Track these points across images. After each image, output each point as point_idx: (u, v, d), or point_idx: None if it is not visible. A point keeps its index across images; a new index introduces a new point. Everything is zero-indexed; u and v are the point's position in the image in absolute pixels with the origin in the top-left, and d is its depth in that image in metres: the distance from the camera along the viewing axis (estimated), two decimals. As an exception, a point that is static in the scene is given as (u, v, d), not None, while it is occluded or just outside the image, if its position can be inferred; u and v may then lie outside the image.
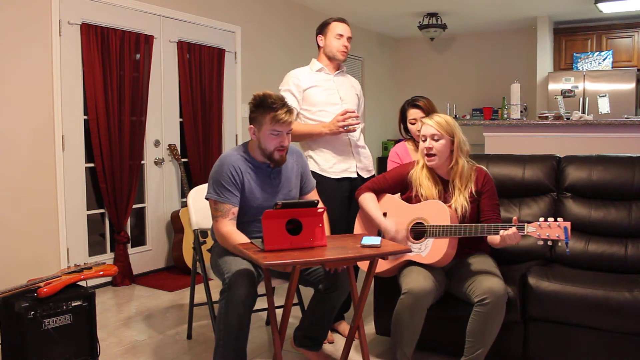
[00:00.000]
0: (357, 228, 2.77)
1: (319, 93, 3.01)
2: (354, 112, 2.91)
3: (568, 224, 2.22)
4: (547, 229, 2.22)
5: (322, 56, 3.10)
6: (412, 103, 3.10)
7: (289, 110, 2.43)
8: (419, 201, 2.58)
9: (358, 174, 3.08)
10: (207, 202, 2.53)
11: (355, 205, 2.87)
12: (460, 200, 2.52)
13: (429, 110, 3.03)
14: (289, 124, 2.44)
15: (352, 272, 2.39)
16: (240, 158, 2.51)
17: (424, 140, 2.56)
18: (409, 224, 2.56)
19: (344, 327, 3.11)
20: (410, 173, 2.65)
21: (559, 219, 2.24)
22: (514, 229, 2.28)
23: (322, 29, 3.09)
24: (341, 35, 3.02)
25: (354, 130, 2.99)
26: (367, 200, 2.69)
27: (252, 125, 2.49)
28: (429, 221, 2.49)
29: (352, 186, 3.01)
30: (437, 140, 2.53)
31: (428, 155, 2.56)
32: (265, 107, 2.41)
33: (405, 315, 2.37)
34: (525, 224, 2.28)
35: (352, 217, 2.90)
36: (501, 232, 2.31)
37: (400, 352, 2.41)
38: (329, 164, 3.00)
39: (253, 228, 2.50)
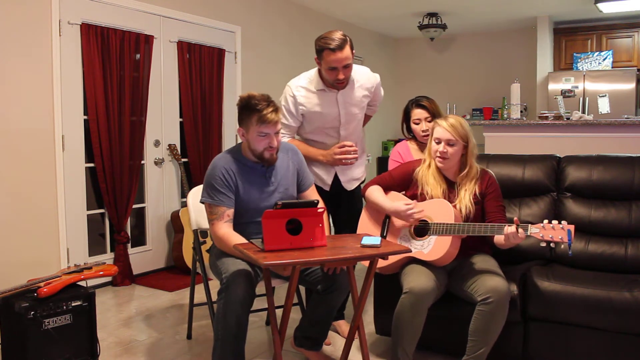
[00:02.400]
0: (363, 221, 2.78)
1: (318, 118, 2.91)
2: (352, 146, 2.85)
3: (572, 227, 2.21)
4: (551, 231, 2.22)
5: (323, 75, 2.85)
6: (417, 103, 3.10)
7: (275, 110, 2.40)
8: (424, 199, 2.59)
9: (342, 186, 3.05)
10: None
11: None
12: (465, 201, 2.53)
13: (433, 111, 3.04)
14: (276, 124, 2.41)
15: (352, 272, 2.39)
16: (232, 160, 2.51)
17: (438, 143, 2.55)
18: None
19: (344, 327, 3.10)
20: (417, 171, 2.66)
21: (562, 221, 2.24)
22: (519, 229, 2.28)
23: (317, 53, 2.76)
24: (334, 68, 2.73)
25: (351, 164, 2.94)
26: (374, 190, 2.70)
27: (240, 127, 2.48)
28: (433, 219, 2.50)
29: (324, 193, 3.00)
30: (452, 146, 2.53)
31: (441, 157, 2.56)
32: (251, 108, 2.39)
33: (407, 315, 2.37)
34: (529, 225, 2.28)
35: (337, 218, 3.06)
36: (505, 229, 2.31)
37: (402, 351, 2.41)
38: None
39: (252, 230, 2.49)
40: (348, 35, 2.77)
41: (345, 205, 3.08)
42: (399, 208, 2.55)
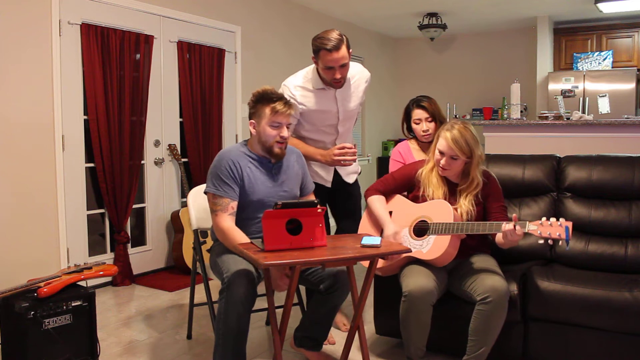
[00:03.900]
0: (364, 225, 2.79)
1: (317, 116, 2.92)
2: (351, 147, 2.86)
3: (570, 224, 2.21)
4: (549, 228, 2.22)
5: (321, 73, 2.86)
6: (417, 104, 3.12)
7: (288, 103, 2.47)
8: (425, 201, 2.59)
9: (343, 180, 3.08)
10: (207, 202, 2.52)
11: (344, 202, 3.03)
12: (466, 204, 2.53)
13: (433, 112, 3.07)
14: (288, 116, 2.47)
15: (352, 271, 2.39)
16: (239, 153, 2.52)
17: (441, 154, 2.54)
18: (413, 222, 2.56)
19: (338, 319, 3.12)
20: (419, 172, 2.67)
21: (561, 219, 2.24)
22: (516, 226, 2.28)
23: (314, 52, 2.77)
24: (331, 68, 2.73)
25: (350, 165, 2.95)
26: (375, 201, 2.72)
27: (252, 120, 2.51)
28: (432, 219, 2.50)
29: (324, 188, 3.05)
30: (454, 160, 2.52)
31: (442, 169, 2.56)
32: (266, 99, 2.46)
33: (410, 317, 2.39)
34: (527, 222, 2.28)
35: (336, 212, 3.10)
36: (503, 226, 2.31)
37: (414, 348, 2.44)
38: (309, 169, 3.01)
39: (254, 228, 2.50)
40: (345, 34, 2.77)
41: (346, 197, 3.10)
42: (388, 228, 2.57)
